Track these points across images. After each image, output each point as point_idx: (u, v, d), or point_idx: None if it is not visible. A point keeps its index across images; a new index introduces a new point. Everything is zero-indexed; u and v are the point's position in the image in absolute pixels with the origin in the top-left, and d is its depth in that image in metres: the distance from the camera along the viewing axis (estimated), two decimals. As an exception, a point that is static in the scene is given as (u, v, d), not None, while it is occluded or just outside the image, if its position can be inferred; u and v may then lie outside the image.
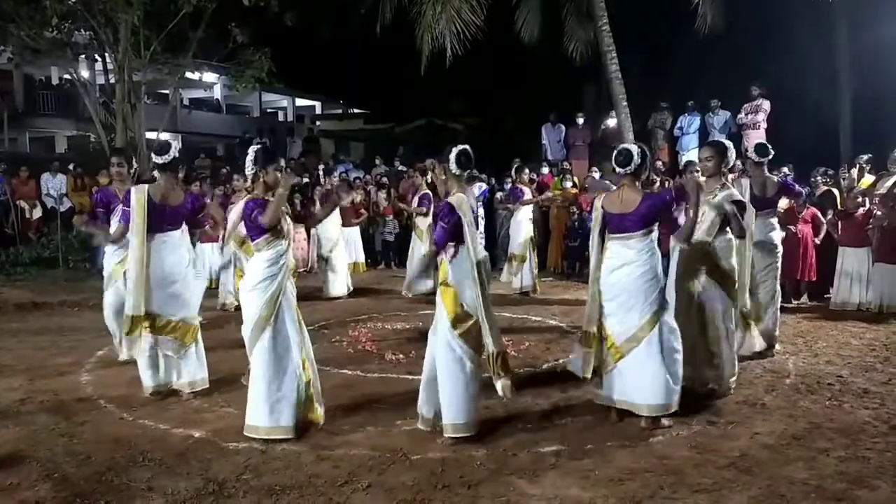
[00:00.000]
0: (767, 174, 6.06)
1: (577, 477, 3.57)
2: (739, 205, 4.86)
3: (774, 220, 5.96)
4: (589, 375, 4.33)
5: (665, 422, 4.20)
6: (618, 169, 4.31)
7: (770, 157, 6.02)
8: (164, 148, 4.93)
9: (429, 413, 4.20)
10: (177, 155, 4.95)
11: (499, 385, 4.11)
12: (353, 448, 3.98)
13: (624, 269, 4.22)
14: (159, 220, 4.89)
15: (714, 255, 4.84)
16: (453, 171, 4.12)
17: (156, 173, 5.15)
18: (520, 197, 9.13)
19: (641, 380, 4.17)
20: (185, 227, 5.11)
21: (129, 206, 4.89)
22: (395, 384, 5.20)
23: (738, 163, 10.88)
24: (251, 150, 4.21)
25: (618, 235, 4.27)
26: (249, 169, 4.18)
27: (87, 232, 6.09)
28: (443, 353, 4.05)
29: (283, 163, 4.22)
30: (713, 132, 12.47)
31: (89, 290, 8.50)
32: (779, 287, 6.01)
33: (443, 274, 4.09)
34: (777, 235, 5.95)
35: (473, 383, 4.06)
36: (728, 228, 4.87)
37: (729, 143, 5.29)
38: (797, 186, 6.54)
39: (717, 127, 12.45)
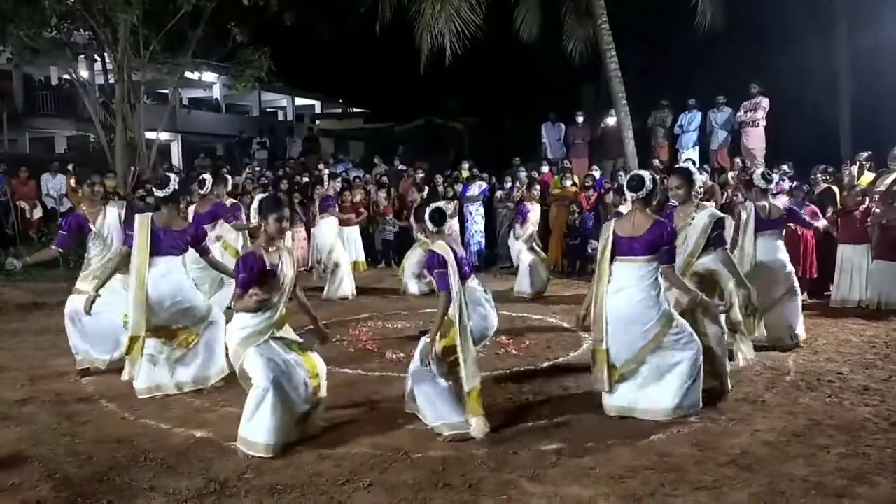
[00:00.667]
0: (773, 201, 6.24)
1: (577, 475, 3.57)
2: (720, 221, 4.85)
3: (778, 241, 6.13)
4: (609, 388, 4.40)
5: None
6: (629, 194, 4.40)
7: (774, 182, 6.30)
8: (164, 182, 5.13)
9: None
10: (177, 187, 5.13)
11: (473, 422, 4.12)
12: (354, 447, 3.99)
13: (624, 292, 4.32)
14: (161, 244, 5.07)
15: (705, 276, 4.85)
16: (430, 229, 4.34)
17: (150, 200, 5.29)
18: (526, 214, 9.06)
19: (645, 392, 4.34)
20: (185, 255, 5.25)
21: (132, 231, 5.08)
22: (395, 383, 5.18)
23: (740, 166, 11.01)
24: (256, 199, 4.25)
25: (623, 258, 4.36)
26: (254, 219, 4.20)
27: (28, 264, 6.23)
28: (420, 369, 4.19)
29: (286, 213, 4.15)
30: (716, 128, 12.50)
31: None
32: (798, 288, 6.18)
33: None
34: (783, 255, 6.12)
35: (452, 390, 4.19)
36: (712, 247, 4.84)
37: (694, 169, 5.37)
38: (803, 213, 6.80)
39: (719, 123, 12.47)
